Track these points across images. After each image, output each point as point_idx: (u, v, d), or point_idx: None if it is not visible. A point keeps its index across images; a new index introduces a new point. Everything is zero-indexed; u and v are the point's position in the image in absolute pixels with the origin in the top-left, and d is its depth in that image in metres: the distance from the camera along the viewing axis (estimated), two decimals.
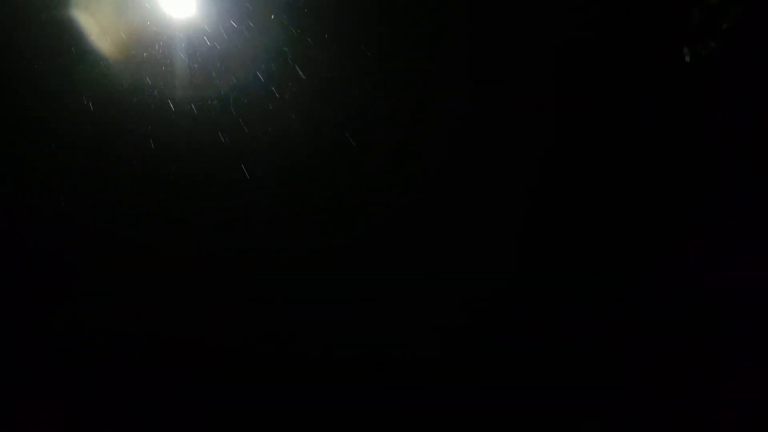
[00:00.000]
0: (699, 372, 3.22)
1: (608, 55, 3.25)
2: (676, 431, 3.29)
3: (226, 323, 4.31)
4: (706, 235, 3.16)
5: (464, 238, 4.09)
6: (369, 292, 4.21)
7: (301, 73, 3.31)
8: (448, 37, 3.39)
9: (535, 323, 4.02)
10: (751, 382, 2.91)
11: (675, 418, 3.31)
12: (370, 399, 4.28)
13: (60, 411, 4.17)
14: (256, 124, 3.54)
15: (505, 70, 3.46)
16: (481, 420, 4.13)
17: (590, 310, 3.80)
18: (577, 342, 3.84)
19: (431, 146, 3.78)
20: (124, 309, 4.21)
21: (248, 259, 4.18)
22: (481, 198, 3.94)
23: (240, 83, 3.46)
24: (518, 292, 4.02)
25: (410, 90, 3.55)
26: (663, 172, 3.35)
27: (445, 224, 4.06)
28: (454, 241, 4.09)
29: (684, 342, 3.30)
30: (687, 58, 2.82)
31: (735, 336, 3.00)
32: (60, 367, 4.15)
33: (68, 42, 3.30)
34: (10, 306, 4.01)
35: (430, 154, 3.80)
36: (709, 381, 3.17)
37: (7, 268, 3.92)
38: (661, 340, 3.43)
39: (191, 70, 3.35)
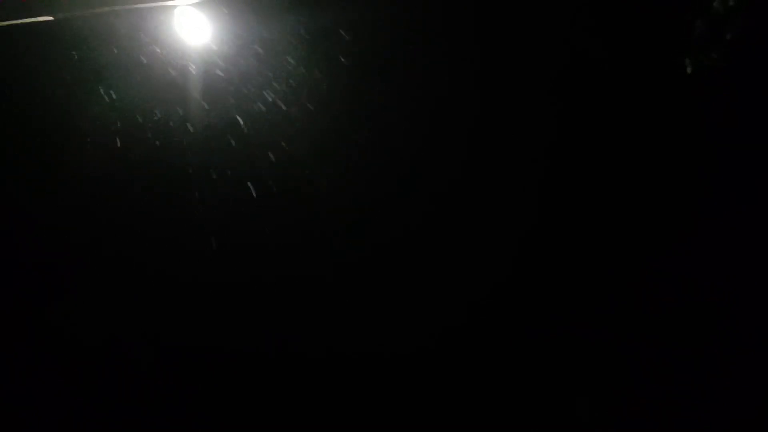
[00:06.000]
0: (697, 368, 3.25)
1: (610, 64, 3.28)
2: (673, 417, 3.33)
3: (226, 325, 4.32)
4: (705, 237, 3.19)
5: (464, 239, 4.11)
6: (368, 292, 4.23)
7: (313, 101, 3.36)
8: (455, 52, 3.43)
9: (534, 321, 4.05)
10: (751, 382, 2.94)
11: (672, 409, 3.35)
12: (370, 399, 4.30)
13: (59, 413, 4.18)
14: (271, 148, 3.59)
15: (516, 83, 3.50)
16: (478, 406, 4.16)
17: (589, 308, 3.83)
18: (574, 337, 3.87)
19: (433, 149, 3.80)
20: (125, 311, 4.22)
21: (248, 262, 4.20)
22: (481, 198, 3.97)
23: (254, 107, 3.50)
24: (517, 290, 4.04)
25: (424, 113, 3.60)
26: (665, 179, 3.38)
27: (443, 224, 4.09)
28: (453, 241, 4.12)
29: (682, 339, 3.34)
30: (689, 69, 2.82)
31: (735, 336, 3.03)
32: (59, 369, 4.16)
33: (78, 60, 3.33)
34: (11, 308, 4.01)
35: (432, 157, 3.82)
36: (707, 379, 3.20)
37: (10, 271, 3.93)
38: (659, 336, 3.46)
39: (205, 93, 3.38)
